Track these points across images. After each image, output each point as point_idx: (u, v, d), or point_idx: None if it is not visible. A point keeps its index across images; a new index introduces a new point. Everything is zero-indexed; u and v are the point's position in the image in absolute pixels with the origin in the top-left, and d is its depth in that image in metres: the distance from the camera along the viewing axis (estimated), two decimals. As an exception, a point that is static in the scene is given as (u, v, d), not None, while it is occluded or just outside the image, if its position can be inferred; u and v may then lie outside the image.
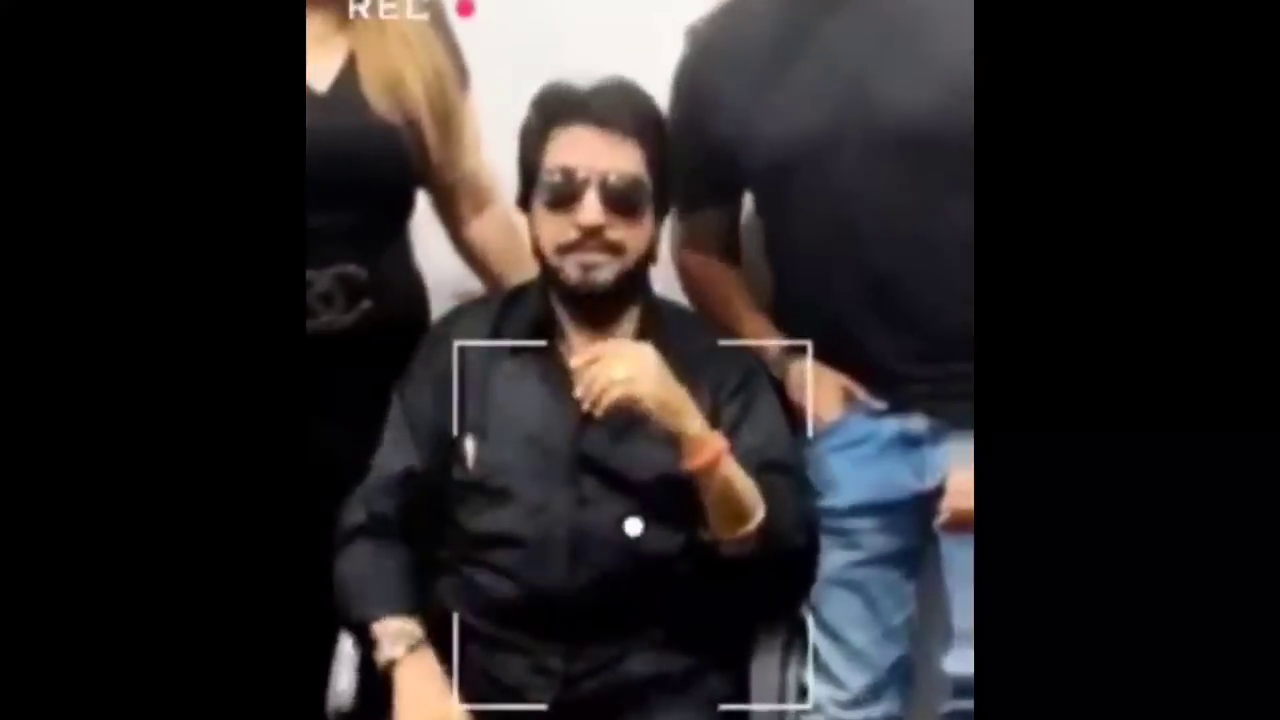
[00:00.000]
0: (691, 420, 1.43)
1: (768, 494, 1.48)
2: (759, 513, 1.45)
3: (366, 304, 1.60)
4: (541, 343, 1.53)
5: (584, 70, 1.60)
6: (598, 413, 1.39)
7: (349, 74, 1.61)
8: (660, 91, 1.65)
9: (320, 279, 1.56)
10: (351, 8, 1.60)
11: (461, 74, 1.69)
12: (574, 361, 1.43)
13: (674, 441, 1.43)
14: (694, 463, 1.42)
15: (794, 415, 1.61)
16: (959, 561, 1.55)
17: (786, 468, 1.53)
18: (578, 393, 1.40)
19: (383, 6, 1.62)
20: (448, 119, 1.64)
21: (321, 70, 1.59)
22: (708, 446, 1.42)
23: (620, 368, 1.41)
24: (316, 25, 1.58)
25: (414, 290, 1.71)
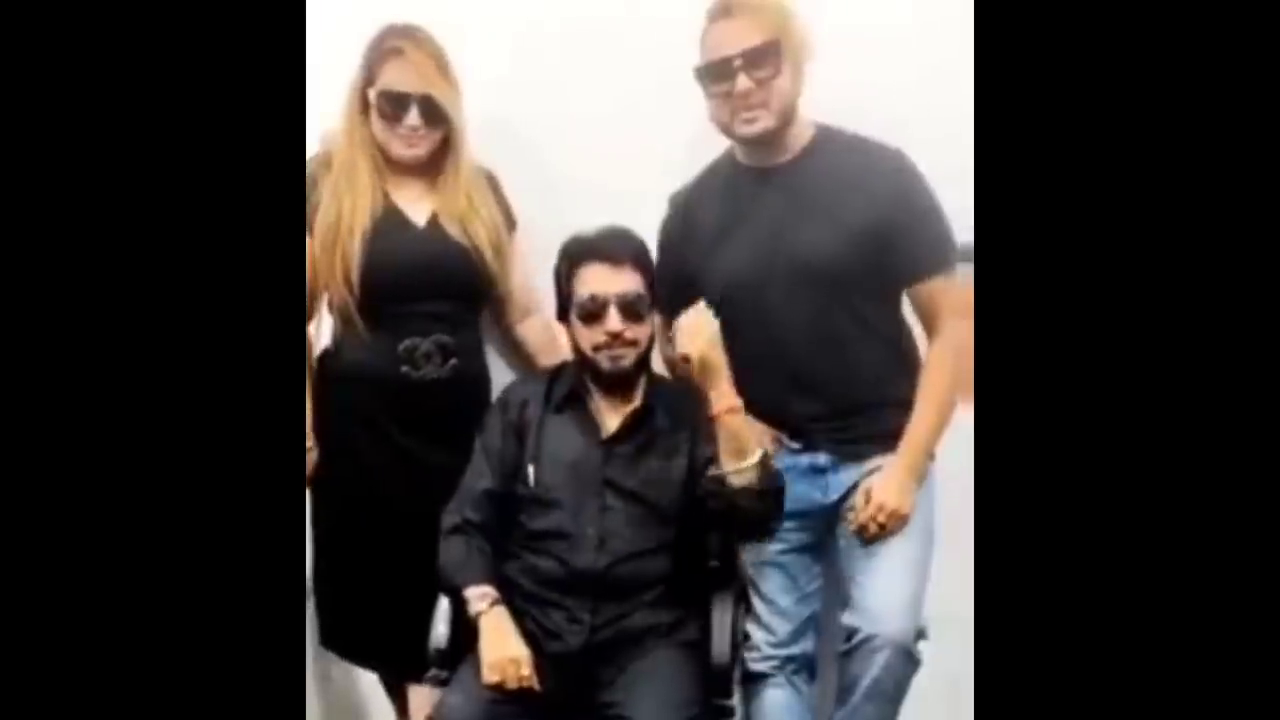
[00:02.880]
0: (720, 381, 1.76)
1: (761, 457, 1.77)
2: (758, 452, 1.77)
3: (454, 361, 2.02)
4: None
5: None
6: (677, 359, 1.75)
7: (435, 216, 2.02)
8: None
9: (424, 344, 1.99)
10: (439, 183, 2.02)
11: (509, 220, 2.10)
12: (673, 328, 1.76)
13: (708, 392, 1.75)
14: (716, 409, 1.76)
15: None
16: (849, 552, 1.92)
17: None
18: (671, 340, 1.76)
19: (462, 175, 2.02)
20: (500, 249, 2.05)
21: (418, 212, 2.03)
22: (726, 400, 1.76)
23: (685, 337, 1.76)
24: (413, 190, 2.03)
25: (481, 356, 2.14)
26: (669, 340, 1.96)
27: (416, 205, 2.04)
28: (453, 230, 2.01)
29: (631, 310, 1.88)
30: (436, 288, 2.01)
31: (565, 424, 1.95)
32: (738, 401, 1.78)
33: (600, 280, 1.89)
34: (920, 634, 1.85)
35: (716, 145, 2.01)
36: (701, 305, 1.81)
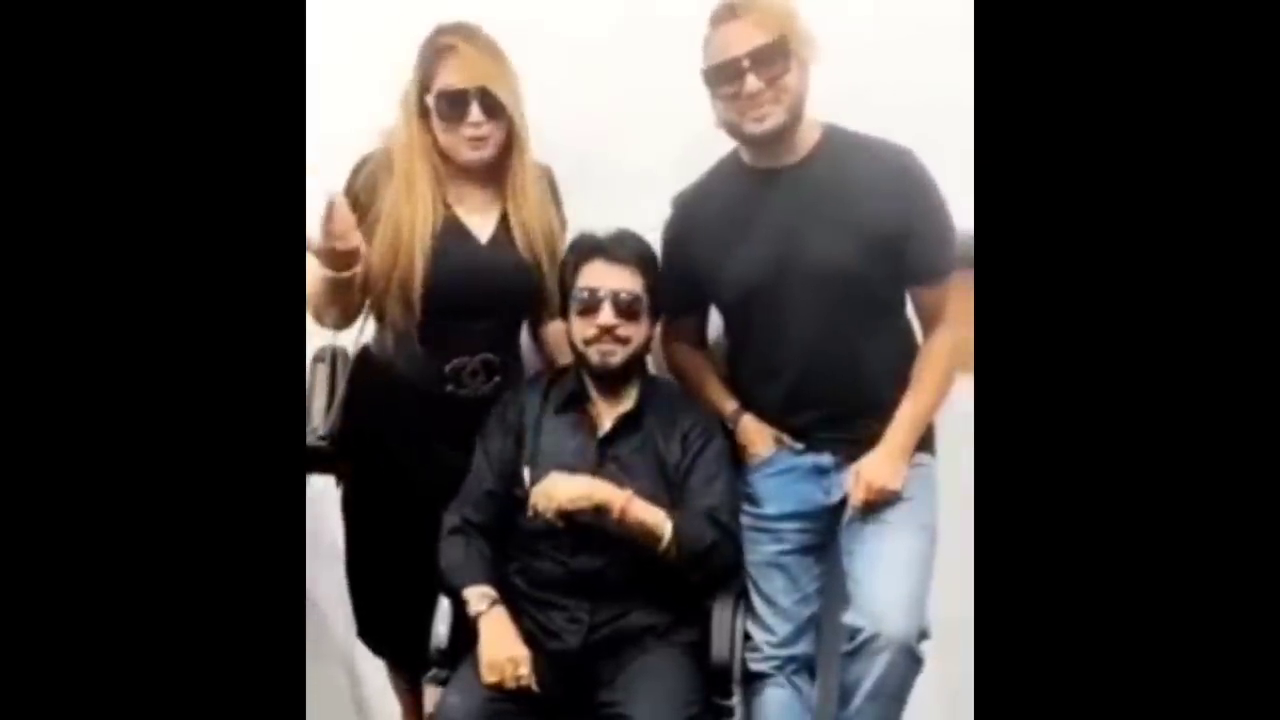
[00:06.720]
0: (601, 497, 1.80)
1: (678, 517, 1.83)
2: (667, 532, 1.82)
3: (498, 379, 2.02)
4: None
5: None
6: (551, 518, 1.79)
7: (502, 228, 1.98)
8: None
9: (472, 363, 1.98)
10: (508, 184, 1.96)
11: (562, 219, 2.06)
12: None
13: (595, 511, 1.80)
14: (612, 518, 1.81)
15: (741, 452, 1.99)
16: (852, 552, 1.92)
17: (719, 479, 1.90)
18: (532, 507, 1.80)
19: (529, 175, 1.97)
20: (555, 256, 2.01)
21: (482, 225, 1.98)
22: (615, 506, 1.80)
23: (542, 498, 1.80)
24: (480, 196, 1.98)
25: (520, 368, 2.12)
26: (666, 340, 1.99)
27: (480, 215, 1.99)
28: (519, 240, 1.97)
29: (626, 308, 1.90)
30: (492, 307, 1.99)
31: (563, 425, 1.95)
32: (623, 498, 1.82)
33: (599, 276, 1.91)
34: (923, 634, 1.85)
35: (720, 145, 2.01)
36: (556, 474, 1.84)
